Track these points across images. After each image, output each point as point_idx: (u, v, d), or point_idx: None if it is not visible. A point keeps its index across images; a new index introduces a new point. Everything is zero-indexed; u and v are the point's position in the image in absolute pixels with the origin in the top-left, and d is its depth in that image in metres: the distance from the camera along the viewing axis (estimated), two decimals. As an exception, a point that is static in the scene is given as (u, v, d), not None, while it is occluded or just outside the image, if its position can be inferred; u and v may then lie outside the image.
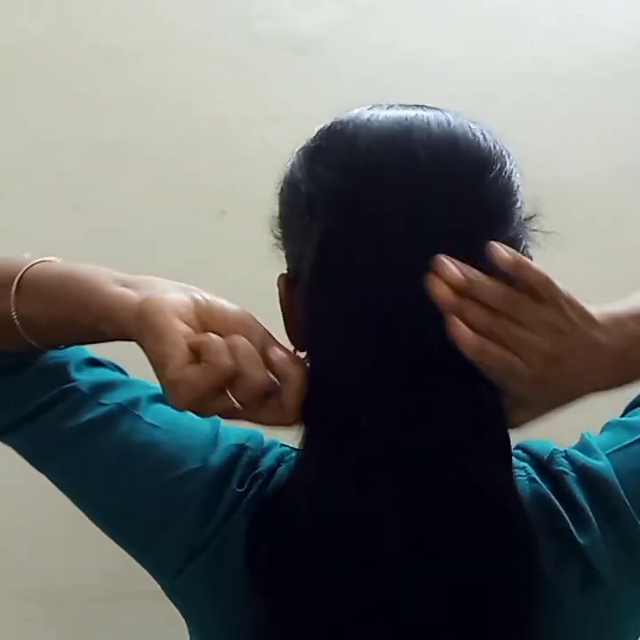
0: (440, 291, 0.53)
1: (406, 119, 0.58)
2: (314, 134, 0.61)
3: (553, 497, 0.62)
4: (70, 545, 1.32)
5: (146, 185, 1.32)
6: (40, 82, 1.30)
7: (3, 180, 1.31)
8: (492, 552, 0.57)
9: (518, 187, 0.59)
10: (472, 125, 0.59)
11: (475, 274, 0.54)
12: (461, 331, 0.54)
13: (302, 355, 0.60)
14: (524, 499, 0.59)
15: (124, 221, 1.31)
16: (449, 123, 0.58)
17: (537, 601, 0.58)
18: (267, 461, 0.65)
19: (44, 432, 0.65)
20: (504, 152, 0.59)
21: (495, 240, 0.55)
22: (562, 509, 0.61)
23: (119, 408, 0.65)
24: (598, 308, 0.57)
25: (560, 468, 0.62)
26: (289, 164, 0.61)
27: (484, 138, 0.59)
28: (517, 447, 0.65)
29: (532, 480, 0.62)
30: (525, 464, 0.64)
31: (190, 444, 0.65)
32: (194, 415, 0.57)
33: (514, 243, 0.58)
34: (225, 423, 0.66)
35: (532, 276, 0.54)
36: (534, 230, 0.61)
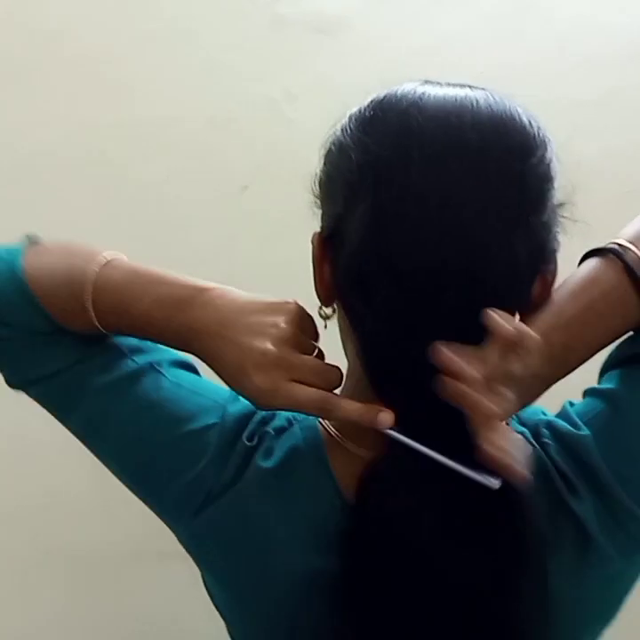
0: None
1: (457, 99, 0.59)
2: (366, 104, 0.62)
3: (548, 462, 0.63)
4: (95, 505, 1.34)
5: (175, 162, 1.33)
6: (74, 69, 1.32)
7: (42, 162, 1.33)
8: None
9: (556, 173, 0.61)
10: (519, 110, 0.61)
11: (449, 358, 0.57)
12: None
13: (328, 311, 0.66)
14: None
15: (155, 198, 1.33)
16: (497, 105, 0.60)
17: (533, 559, 0.59)
18: (277, 421, 0.67)
19: (76, 381, 0.70)
20: (546, 138, 0.61)
21: (531, 222, 0.59)
22: (556, 474, 0.63)
23: (148, 366, 0.70)
24: (534, 321, 0.61)
25: (543, 439, 0.64)
26: (339, 128, 0.63)
27: (530, 123, 0.61)
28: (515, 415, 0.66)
29: (530, 445, 0.63)
30: (525, 430, 0.65)
31: (210, 403, 0.68)
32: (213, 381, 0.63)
33: (546, 228, 0.61)
34: None
35: (530, 342, 0.57)
36: (564, 217, 0.63)
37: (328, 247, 0.63)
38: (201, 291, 0.65)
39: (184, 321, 0.64)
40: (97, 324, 0.68)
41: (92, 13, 1.33)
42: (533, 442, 0.64)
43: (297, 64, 1.32)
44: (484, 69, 1.29)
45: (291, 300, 0.64)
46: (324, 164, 0.64)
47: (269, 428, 0.67)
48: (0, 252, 0.72)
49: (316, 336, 0.65)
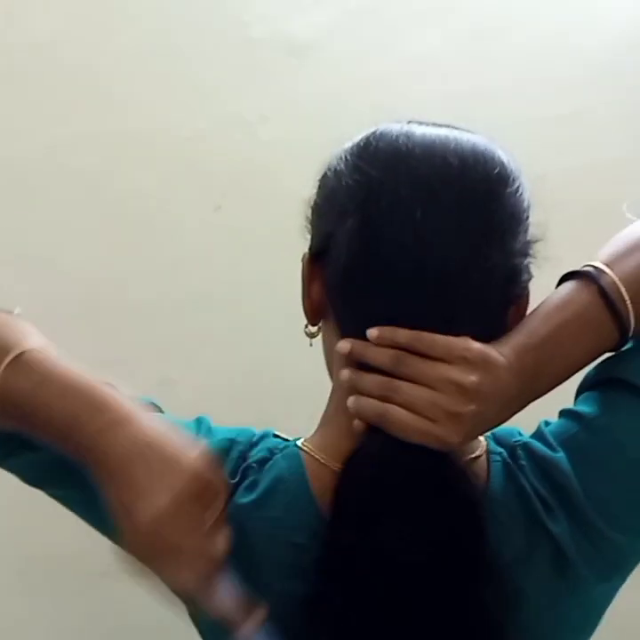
0: (342, 375, 0.61)
1: (441, 133, 0.64)
2: (361, 136, 0.67)
3: (524, 482, 0.64)
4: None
5: (147, 180, 1.33)
6: (51, 84, 1.32)
7: (15, 175, 1.33)
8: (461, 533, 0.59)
9: (528, 206, 0.65)
10: (498, 147, 0.65)
11: (362, 345, 0.60)
12: (356, 402, 0.60)
13: (313, 329, 0.67)
14: (499, 481, 0.63)
15: (129, 215, 1.33)
16: (478, 140, 0.65)
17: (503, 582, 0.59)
18: (257, 453, 0.67)
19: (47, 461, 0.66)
20: (521, 174, 0.65)
21: (507, 246, 0.62)
22: (532, 495, 0.63)
23: None
24: (498, 345, 0.61)
25: (520, 460, 0.65)
26: (334, 156, 0.67)
27: (508, 160, 0.64)
28: (491, 434, 0.67)
29: (507, 465, 0.65)
30: (502, 450, 0.66)
31: None
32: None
33: (519, 255, 0.64)
34: (215, 424, 0.70)
35: (401, 337, 0.59)
36: (536, 252, 0.65)
37: (317, 265, 0.66)
38: (99, 412, 0.59)
39: (79, 444, 0.59)
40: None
41: (70, 29, 1.33)
42: (510, 462, 0.65)
43: (269, 86, 1.33)
44: (453, 91, 1.31)
45: (197, 453, 0.59)
46: (319, 187, 0.68)
47: (251, 462, 0.66)
48: None
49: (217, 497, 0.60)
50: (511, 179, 0.63)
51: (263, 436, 0.69)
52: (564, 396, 0.69)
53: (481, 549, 0.59)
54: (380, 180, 0.62)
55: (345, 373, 0.62)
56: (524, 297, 0.66)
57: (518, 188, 0.64)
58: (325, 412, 0.68)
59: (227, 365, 1.32)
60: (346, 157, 0.65)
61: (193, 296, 1.33)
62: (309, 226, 0.68)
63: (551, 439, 0.65)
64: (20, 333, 0.64)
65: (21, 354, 0.62)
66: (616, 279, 0.62)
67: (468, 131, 0.66)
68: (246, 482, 0.65)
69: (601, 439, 0.64)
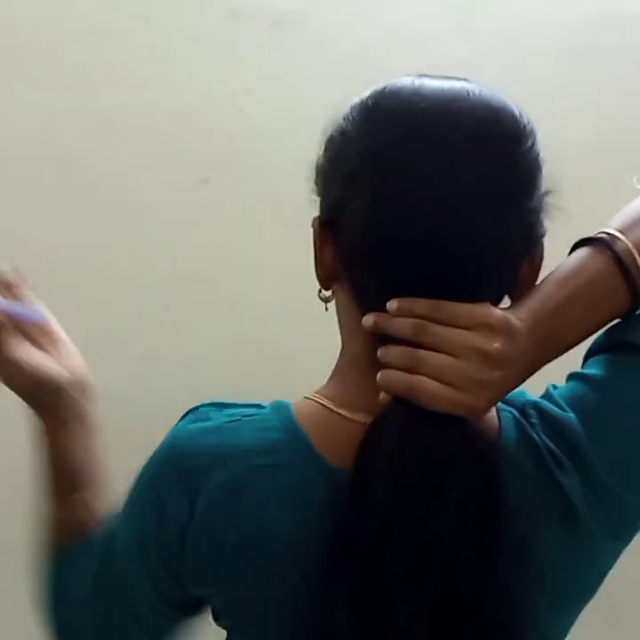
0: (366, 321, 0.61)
1: (454, 89, 0.62)
2: (368, 94, 0.64)
3: (536, 438, 0.64)
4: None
5: (134, 155, 1.33)
6: (32, 60, 1.32)
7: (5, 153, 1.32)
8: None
9: (543, 162, 0.64)
10: (510, 102, 0.64)
11: (385, 317, 0.60)
12: (383, 376, 0.60)
13: (327, 293, 0.67)
14: (511, 437, 0.64)
15: (115, 190, 1.33)
16: (491, 96, 0.63)
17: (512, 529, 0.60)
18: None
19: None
20: (534, 130, 0.64)
21: (522, 205, 0.62)
22: (544, 449, 0.64)
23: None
24: (518, 309, 0.62)
25: (531, 419, 0.65)
26: (341, 117, 0.65)
27: (520, 114, 0.63)
28: None
29: (517, 421, 0.65)
30: (511, 408, 0.66)
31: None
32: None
33: (534, 212, 0.63)
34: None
35: (422, 308, 0.59)
36: (550, 204, 0.65)
37: (329, 230, 0.65)
38: None
39: None
40: None
41: (51, 5, 1.32)
42: (521, 419, 0.65)
43: (253, 58, 1.32)
44: (435, 60, 1.30)
45: None
46: (326, 150, 0.66)
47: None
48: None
49: None
50: (525, 135, 0.62)
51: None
52: (573, 360, 0.69)
53: (498, 507, 0.59)
54: (392, 143, 0.61)
55: (368, 320, 0.61)
56: (538, 252, 0.65)
57: (532, 144, 0.63)
58: (336, 368, 0.68)
59: (212, 340, 1.33)
60: (353, 118, 0.63)
61: (179, 270, 1.33)
62: (317, 188, 0.67)
63: (560, 401, 0.66)
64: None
65: None
66: (630, 245, 0.62)
67: (480, 84, 0.64)
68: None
69: (610, 400, 0.64)
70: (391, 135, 0.61)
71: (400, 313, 0.60)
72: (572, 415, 0.64)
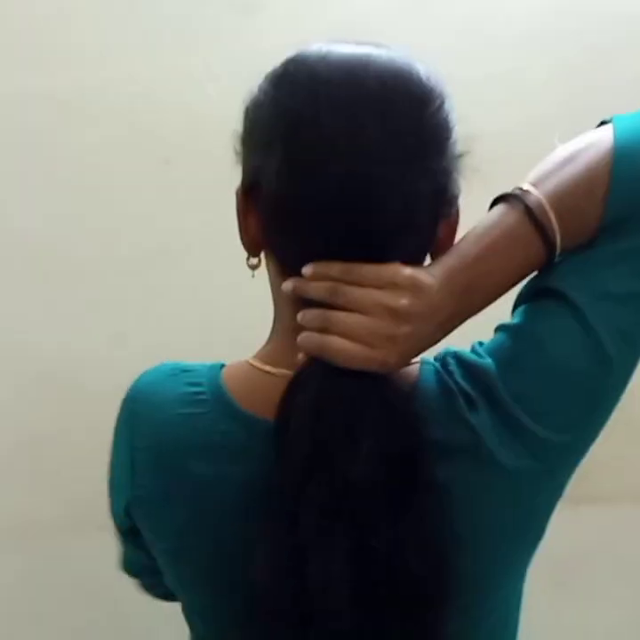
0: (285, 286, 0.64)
1: (361, 54, 0.64)
2: (280, 63, 0.66)
3: (451, 384, 0.66)
4: (31, 476, 1.34)
5: (96, 136, 1.32)
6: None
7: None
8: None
9: (454, 124, 0.66)
10: (419, 65, 0.65)
11: (300, 282, 0.63)
12: (300, 338, 0.62)
13: (254, 261, 0.68)
14: (428, 386, 0.66)
15: (77, 170, 1.33)
16: (399, 60, 0.64)
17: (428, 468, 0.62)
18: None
19: None
20: (444, 92, 0.66)
21: (431, 165, 0.63)
22: (457, 393, 0.66)
23: None
24: (432, 266, 0.64)
25: (449, 367, 0.67)
26: (255, 87, 0.66)
27: (428, 77, 0.65)
28: None
29: (437, 372, 0.67)
30: (433, 360, 0.69)
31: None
32: None
33: (445, 173, 0.65)
34: None
35: (334, 271, 0.62)
36: (463, 166, 0.67)
37: (250, 198, 0.67)
38: None
39: None
40: None
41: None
42: (440, 368, 0.68)
43: (216, 42, 1.33)
44: (396, 46, 1.32)
45: None
46: (243, 120, 0.68)
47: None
48: None
49: None
50: (432, 97, 0.64)
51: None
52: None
53: (412, 453, 0.61)
54: (298, 110, 0.62)
55: (287, 285, 0.64)
56: (454, 212, 0.68)
57: (440, 105, 0.64)
58: (269, 336, 0.71)
59: (178, 319, 1.34)
60: (265, 87, 0.65)
61: (143, 251, 1.33)
62: (238, 158, 0.68)
63: (481, 351, 0.68)
64: None
65: None
66: (541, 197, 0.64)
67: (390, 48, 0.65)
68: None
69: (523, 342, 0.66)
70: (297, 101, 0.62)
71: (315, 277, 0.62)
72: (489, 360, 0.67)
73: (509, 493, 0.66)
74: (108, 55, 1.32)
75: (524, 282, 0.68)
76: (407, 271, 0.62)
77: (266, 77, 0.66)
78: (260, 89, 0.66)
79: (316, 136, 0.62)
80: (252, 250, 0.68)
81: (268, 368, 0.68)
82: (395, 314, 0.60)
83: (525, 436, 0.65)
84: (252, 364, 0.69)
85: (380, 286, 0.61)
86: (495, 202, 0.67)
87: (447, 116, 0.65)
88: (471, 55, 1.34)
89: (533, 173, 0.67)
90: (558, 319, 0.66)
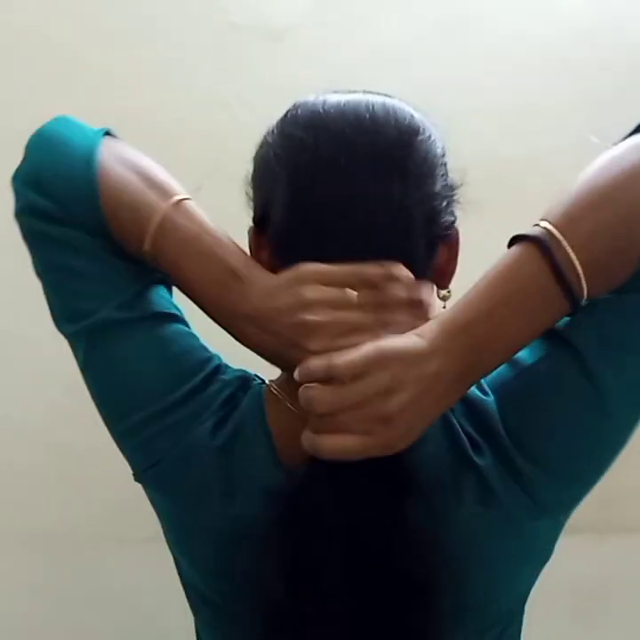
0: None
1: (355, 97, 0.68)
2: (285, 110, 0.69)
3: (457, 425, 0.66)
4: (55, 488, 1.34)
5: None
6: (40, 63, 1.33)
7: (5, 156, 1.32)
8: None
9: (444, 156, 0.68)
10: (407, 106, 0.69)
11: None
12: (302, 438, 0.60)
13: None
14: (433, 427, 0.63)
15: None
16: (389, 100, 0.68)
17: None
18: (229, 372, 0.72)
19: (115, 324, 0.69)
20: (433, 128, 0.68)
21: (422, 189, 0.65)
22: (460, 432, 0.66)
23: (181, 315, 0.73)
24: (426, 327, 0.59)
25: None
26: (265, 132, 0.70)
27: (419, 115, 0.68)
28: None
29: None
30: None
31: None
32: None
33: (438, 197, 0.66)
34: None
35: (316, 372, 0.59)
36: (459, 197, 0.69)
37: (261, 232, 0.69)
38: (235, 278, 0.65)
39: (222, 306, 0.65)
40: (149, 261, 0.67)
41: (55, 10, 1.33)
42: None
43: (249, 69, 1.34)
44: (423, 75, 1.32)
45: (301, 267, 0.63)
46: (254, 162, 0.70)
47: (224, 396, 0.69)
48: (77, 133, 0.70)
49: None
50: (421, 128, 0.67)
51: (238, 371, 0.72)
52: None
53: (406, 490, 0.61)
54: (300, 139, 0.66)
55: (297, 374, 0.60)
56: (452, 237, 0.68)
57: (430, 136, 0.67)
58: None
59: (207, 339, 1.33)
60: (273, 131, 0.69)
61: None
62: (249, 200, 0.71)
63: (485, 385, 0.67)
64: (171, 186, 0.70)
65: (179, 206, 0.67)
66: (569, 251, 0.56)
67: (381, 94, 0.69)
68: (215, 418, 0.68)
69: (530, 387, 0.65)
70: (297, 137, 0.66)
71: (304, 380, 0.59)
72: (491, 398, 0.66)
73: (510, 527, 0.66)
74: (142, 82, 1.34)
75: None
76: (385, 346, 0.57)
77: (272, 124, 0.69)
78: (268, 133, 0.69)
79: (315, 163, 0.65)
80: None
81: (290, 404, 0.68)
82: (379, 394, 0.56)
83: (524, 480, 0.64)
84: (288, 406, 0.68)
85: (361, 377, 0.57)
86: (514, 240, 0.60)
87: (438, 146, 0.67)
88: (497, 83, 1.34)
89: (558, 210, 0.59)
90: (564, 371, 0.63)
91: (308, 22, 1.35)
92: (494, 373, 0.64)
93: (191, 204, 0.68)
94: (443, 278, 0.68)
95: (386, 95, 0.69)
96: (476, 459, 0.64)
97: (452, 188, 0.68)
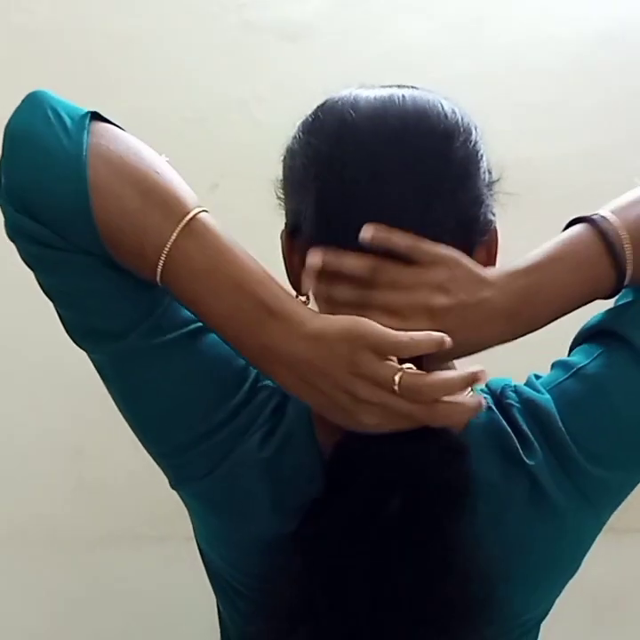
0: (304, 282, 0.62)
1: (384, 97, 0.64)
2: (311, 111, 0.67)
3: (504, 423, 0.65)
4: (72, 486, 1.34)
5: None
6: (50, 66, 1.32)
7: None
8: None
9: (482, 155, 0.66)
10: (442, 101, 0.65)
11: (335, 255, 0.61)
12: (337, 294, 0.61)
13: (302, 298, 0.65)
14: (481, 424, 0.65)
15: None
16: (421, 98, 0.65)
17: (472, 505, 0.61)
18: (272, 396, 0.67)
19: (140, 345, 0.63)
20: (470, 124, 0.65)
21: (457, 196, 0.63)
22: (511, 433, 0.65)
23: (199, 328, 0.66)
24: (493, 269, 0.63)
25: (508, 400, 0.66)
26: (291, 136, 0.68)
27: (453, 111, 0.65)
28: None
29: (489, 409, 0.66)
30: (487, 396, 0.67)
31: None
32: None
33: (476, 202, 0.65)
34: None
35: (398, 241, 0.61)
36: (497, 192, 0.67)
37: (293, 241, 0.68)
38: (270, 314, 0.58)
39: (254, 344, 0.59)
40: (160, 286, 0.61)
41: (68, 10, 1.33)
42: (493, 405, 0.66)
43: (264, 68, 1.34)
44: (442, 76, 1.31)
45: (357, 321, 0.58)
46: (282, 168, 0.69)
47: (270, 407, 0.66)
48: (58, 131, 0.60)
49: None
50: (456, 131, 0.64)
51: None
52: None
53: (461, 485, 0.61)
54: (328, 153, 0.63)
55: (314, 259, 0.61)
56: (490, 237, 0.67)
57: (467, 139, 0.64)
58: None
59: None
60: (299, 135, 0.67)
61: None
62: (280, 203, 0.70)
63: (539, 386, 0.67)
64: (178, 193, 0.62)
65: (193, 226, 0.59)
66: (618, 223, 0.63)
67: (415, 87, 0.66)
68: (264, 429, 0.65)
69: (587, 385, 0.65)
70: (326, 145, 0.64)
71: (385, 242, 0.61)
72: (547, 397, 0.65)
73: (556, 530, 0.66)
74: (161, 82, 1.34)
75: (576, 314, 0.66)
76: (458, 256, 0.61)
77: (299, 126, 0.67)
78: (294, 137, 0.67)
79: (343, 177, 0.63)
80: (299, 289, 0.67)
81: None
82: (434, 286, 0.60)
83: (579, 475, 0.65)
84: None
85: (425, 263, 0.61)
86: (569, 224, 0.66)
87: (474, 146, 0.65)
88: (519, 84, 1.33)
89: (612, 204, 0.66)
90: (621, 366, 0.65)
91: (325, 21, 1.35)
92: (548, 377, 0.68)
93: (203, 222, 0.61)
94: None
95: (421, 90, 0.66)
96: (526, 459, 0.64)
97: (490, 187, 0.66)
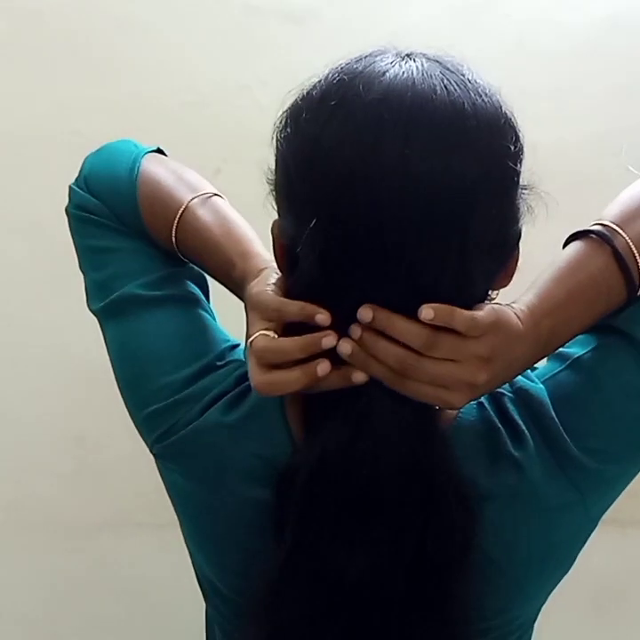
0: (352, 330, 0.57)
1: (401, 86, 0.57)
2: (312, 110, 0.60)
3: (494, 417, 0.65)
4: (74, 474, 1.35)
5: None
6: (51, 49, 1.33)
7: (17, 140, 1.32)
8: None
9: (518, 170, 0.59)
10: (486, 96, 0.59)
11: (388, 316, 0.55)
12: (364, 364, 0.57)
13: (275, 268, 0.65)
14: (469, 421, 0.64)
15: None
16: (442, 105, 0.57)
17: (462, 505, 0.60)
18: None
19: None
20: (505, 124, 0.59)
21: (499, 208, 0.56)
22: (500, 426, 0.64)
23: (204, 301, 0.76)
24: (519, 311, 0.58)
25: (500, 389, 0.65)
26: (276, 132, 0.61)
27: (495, 105, 0.60)
28: None
29: (480, 405, 0.65)
30: None
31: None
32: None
33: (500, 236, 0.59)
34: None
35: (460, 321, 0.55)
36: (529, 196, 0.61)
37: (288, 261, 0.62)
38: (244, 276, 0.68)
39: (240, 296, 0.69)
40: (177, 251, 0.72)
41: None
42: (483, 400, 0.65)
43: (268, 52, 1.32)
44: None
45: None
46: (275, 172, 0.62)
47: (238, 373, 0.69)
48: (131, 146, 0.77)
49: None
50: (493, 182, 0.56)
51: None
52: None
53: (446, 479, 0.60)
54: (333, 202, 0.55)
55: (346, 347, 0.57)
56: (511, 262, 0.62)
57: (515, 139, 0.57)
58: None
59: (231, 326, 1.33)
60: (286, 136, 0.60)
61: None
62: (273, 200, 0.63)
63: (534, 376, 0.66)
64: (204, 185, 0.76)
65: (206, 199, 0.73)
66: (629, 241, 0.60)
67: (436, 77, 0.58)
68: (232, 395, 0.67)
69: (582, 377, 0.65)
70: (332, 188, 0.55)
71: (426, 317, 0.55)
72: (540, 387, 0.65)
73: (546, 527, 0.65)
74: (163, 66, 1.33)
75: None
76: (502, 317, 0.57)
77: (281, 120, 0.61)
78: (279, 133, 0.61)
79: (348, 232, 0.55)
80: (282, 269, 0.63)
81: None
82: (482, 358, 0.56)
83: (571, 467, 0.63)
84: None
85: (465, 333, 0.55)
86: (574, 236, 0.63)
87: (509, 160, 0.57)
88: (526, 68, 1.32)
89: (615, 210, 0.63)
90: (619, 359, 0.64)
91: (329, 4, 1.33)
92: (544, 368, 0.67)
93: (219, 200, 0.74)
94: (495, 289, 0.62)
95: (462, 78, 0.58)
96: (515, 452, 0.63)
97: (523, 193, 0.59)
